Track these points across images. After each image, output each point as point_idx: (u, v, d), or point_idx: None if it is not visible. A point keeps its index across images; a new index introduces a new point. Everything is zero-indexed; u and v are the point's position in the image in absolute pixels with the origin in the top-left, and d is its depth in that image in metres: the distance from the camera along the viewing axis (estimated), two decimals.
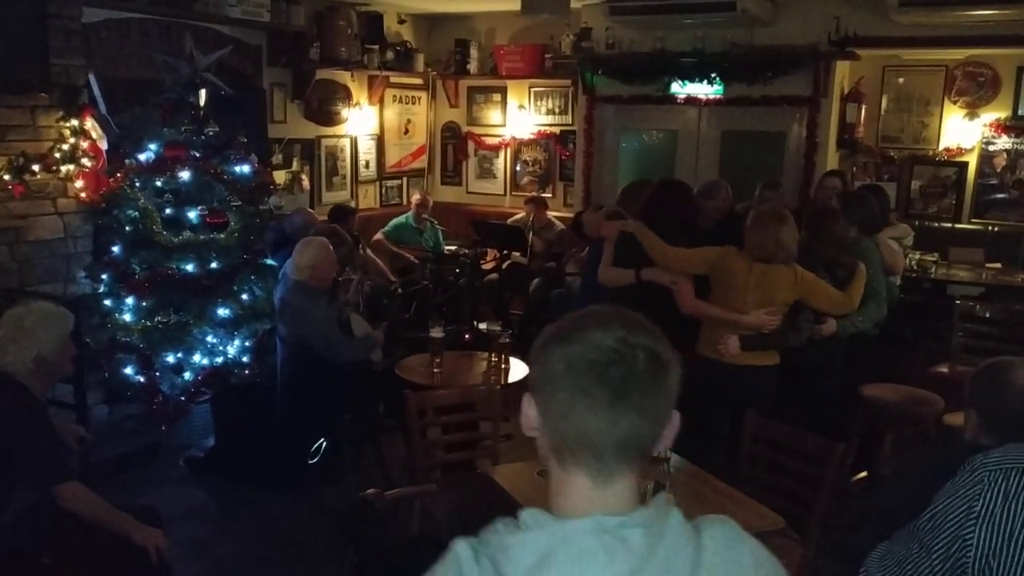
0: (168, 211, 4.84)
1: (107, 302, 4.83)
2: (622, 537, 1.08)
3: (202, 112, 4.93)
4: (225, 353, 4.87)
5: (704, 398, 3.94)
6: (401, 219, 7.76)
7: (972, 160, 6.77)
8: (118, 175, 4.90)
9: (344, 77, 7.75)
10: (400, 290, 6.68)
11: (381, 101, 8.24)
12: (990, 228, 6.72)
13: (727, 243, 3.93)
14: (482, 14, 8.38)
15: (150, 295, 4.75)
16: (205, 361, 4.84)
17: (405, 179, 8.74)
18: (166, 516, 3.18)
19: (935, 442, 4.23)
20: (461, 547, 1.12)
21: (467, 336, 5.82)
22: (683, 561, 1.09)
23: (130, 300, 4.78)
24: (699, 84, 7.00)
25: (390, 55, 8.07)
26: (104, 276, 4.87)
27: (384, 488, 3.41)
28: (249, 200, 5.01)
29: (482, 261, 7.16)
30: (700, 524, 1.14)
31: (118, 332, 4.77)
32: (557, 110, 8.30)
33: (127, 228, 4.81)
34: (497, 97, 8.55)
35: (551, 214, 7.75)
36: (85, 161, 4.91)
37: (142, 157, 4.87)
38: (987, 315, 5.12)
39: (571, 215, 7.82)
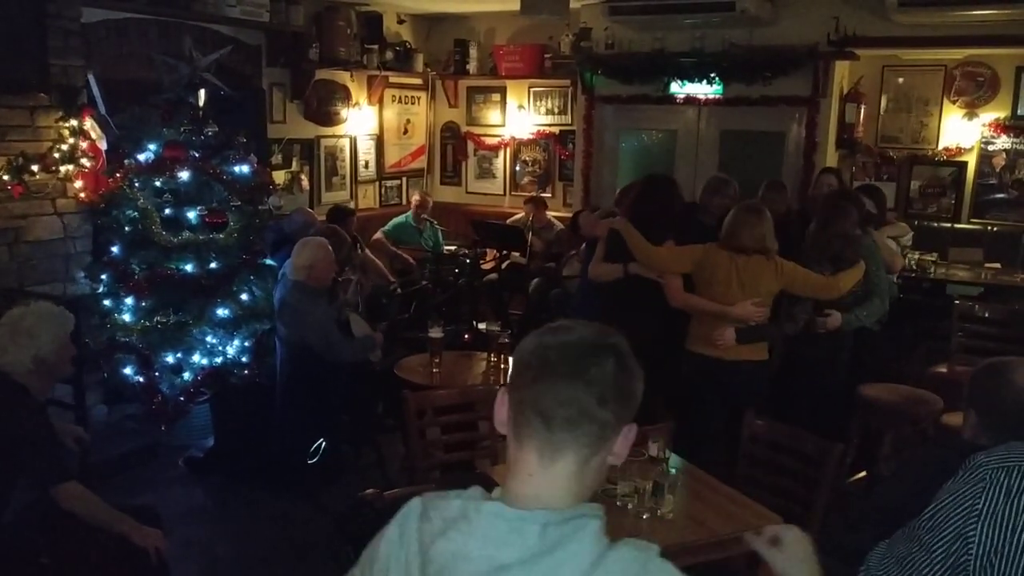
0: (167, 211, 4.82)
1: (106, 302, 4.82)
2: (519, 529, 1.16)
3: (201, 112, 4.92)
4: (224, 353, 4.86)
5: (698, 394, 3.99)
6: (401, 219, 7.76)
7: (971, 160, 6.77)
8: (117, 175, 4.89)
9: (343, 77, 7.75)
10: (399, 290, 6.69)
11: (380, 101, 8.25)
12: (989, 228, 6.72)
13: None
14: (481, 14, 8.38)
15: (149, 295, 4.74)
16: (204, 361, 4.83)
17: (404, 179, 8.75)
18: (165, 516, 3.18)
19: (934, 442, 4.22)
20: (415, 501, 1.27)
21: (466, 336, 5.83)
22: (572, 571, 1.14)
23: (129, 300, 4.77)
24: (698, 84, 7.00)
25: (389, 55, 8.07)
26: (103, 276, 4.85)
27: (383, 488, 3.41)
28: (248, 200, 5.00)
29: (481, 261, 7.16)
30: (615, 545, 1.18)
31: (117, 332, 4.76)
32: (556, 110, 8.30)
33: (126, 228, 4.80)
34: (496, 97, 8.56)
35: (550, 214, 7.75)
36: (84, 161, 4.91)
37: (141, 157, 4.85)
38: (986, 315, 5.12)
39: (570, 215, 7.82)
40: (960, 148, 6.78)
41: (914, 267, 6.01)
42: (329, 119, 7.71)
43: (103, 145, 4.98)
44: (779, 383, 4.23)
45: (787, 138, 6.92)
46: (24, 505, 2.81)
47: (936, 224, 6.86)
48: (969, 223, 6.81)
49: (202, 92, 4.92)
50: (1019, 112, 6.57)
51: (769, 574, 1.54)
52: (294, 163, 7.34)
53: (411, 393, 3.68)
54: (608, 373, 1.21)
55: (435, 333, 4.48)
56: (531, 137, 8.44)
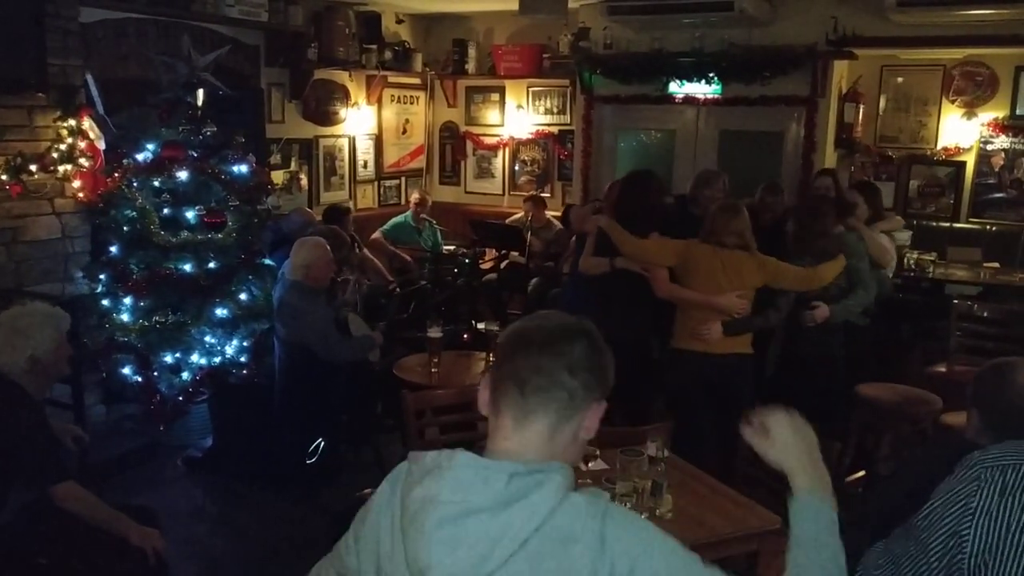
0: (166, 211, 4.83)
1: (105, 302, 4.82)
2: (487, 478, 1.27)
3: (200, 112, 4.92)
4: (223, 353, 4.87)
5: (686, 390, 4.03)
6: (400, 219, 7.76)
7: (970, 159, 6.78)
8: (116, 175, 4.90)
9: (342, 77, 7.74)
10: (398, 290, 6.68)
11: (379, 101, 8.24)
12: (988, 227, 6.72)
13: None
14: (480, 14, 8.38)
15: (148, 295, 4.74)
16: (203, 361, 4.83)
17: (403, 179, 8.74)
18: (163, 516, 3.17)
19: (933, 441, 4.23)
20: (403, 463, 1.40)
21: (465, 336, 5.82)
22: (529, 518, 1.23)
23: (128, 300, 4.77)
24: (697, 84, 7.00)
25: (388, 55, 8.07)
26: (102, 276, 4.86)
27: None
28: (247, 200, 5.01)
29: (480, 261, 7.15)
30: (570, 494, 1.28)
31: (116, 332, 4.77)
32: (555, 110, 8.30)
33: (125, 228, 4.81)
34: (495, 97, 8.55)
35: (549, 214, 7.75)
36: (83, 161, 4.90)
37: (140, 157, 4.86)
38: (985, 315, 5.11)
39: (563, 209, 7.83)
40: (959, 148, 6.78)
41: (913, 267, 6.01)
42: (328, 119, 7.71)
43: (101, 145, 4.97)
44: (776, 382, 4.25)
45: (786, 138, 6.92)
46: (22, 505, 2.80)
47: (935, 224, 6.87)
48: (968, 223, 6.82)
49: (200, 92, 4.93)
50: (1018, 112, 6.58)
51: (768, 572, 1.55)
52: (293, 163, 7.33)
53: (410, 393, 3.67)
54: (579, 349, 1.34)
55: (434, 333, 4.47)
56: (530, 137, 8.44)
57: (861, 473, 4.30)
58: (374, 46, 7.83)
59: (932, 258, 6.12)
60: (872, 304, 4.57)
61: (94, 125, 4.92)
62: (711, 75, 6.88)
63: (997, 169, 6.70)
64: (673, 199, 5.31)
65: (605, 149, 7.79)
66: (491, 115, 8.61)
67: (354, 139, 8.04)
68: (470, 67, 8.42)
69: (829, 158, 6.83)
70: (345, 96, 7.83)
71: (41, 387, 2.97)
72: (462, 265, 6.94)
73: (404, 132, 8.65)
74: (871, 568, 1.72)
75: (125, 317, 4.78)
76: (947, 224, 6.85)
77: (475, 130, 8.73)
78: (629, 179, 4.66)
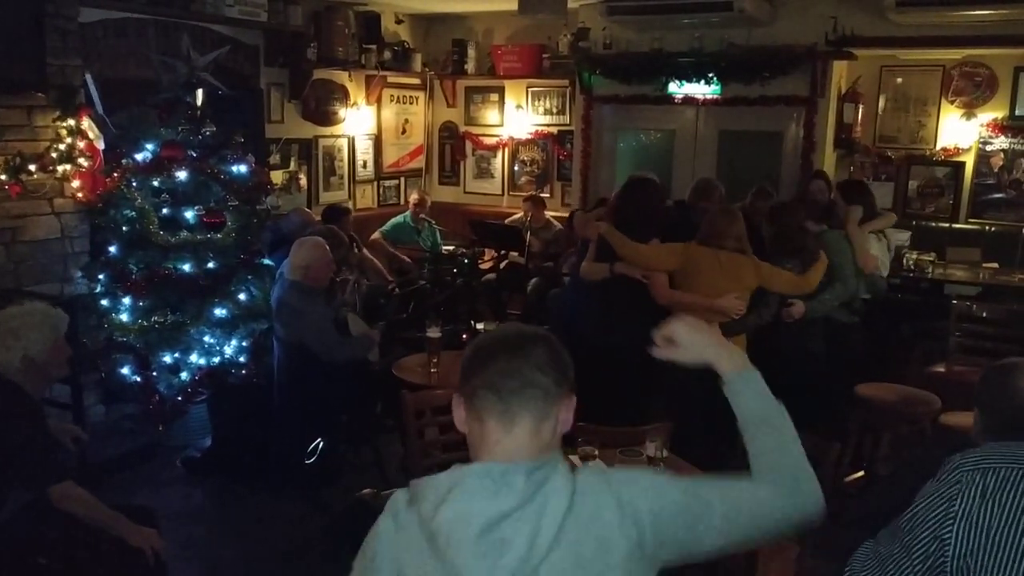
0: (165, 211, 4.83)
1: (104, 302, 4.82)
2: (507, 481, 1.33)
3: (199, 112, 4.92)
4: (222, 353, 4.86)
5: (685, 390, 4.03)
6: (399, 219, 7.76)
7: (969, 160, 6.77)
8: (115, 175, 4.89)
9: (342, 77, 7.74)
10: (397, 290, 6.68)
11: (379, 101, 8.24)
12: (987, 228, 6.73)
13: None
14: (479, 14, 8.38)
15: (147, 295, 4.74)
16: (202, 361, 4.83)
17: (403, 179, 8.74)
18: (163, 516, 3.17)
19: (931, 442, 4.23)
20: (399, 493, 1.42)
21: (465, 336, 5.79)
22: (557, 505, 1.32)
23: (127, 300, 4.77)
24: (696, 84, 7.00)
25: (388, 55, 8.07)
26: (101, 276, 4.86)
27: (381, 488, 3.41)
28: (246, 200, 5.00)
29: (480, 261, 7.16)
30: (576, 475, 1.38)
31: (115, 332, 4.76)
32: (555, 110, 8.30)
33: (124, 228, 4.80)
34: (495, 97, 8.55)
35: (549, 214, 7.75)
36: (82, 161, 4.90)
37: (139, 157, 4.86)
38: (984, 315, 5.11)
39: (568, 215, 7.83)
40: (958, 148, 6.78)
41: (912, 267, 6.01)
42: (327, 119, 7.71)
43: (100, 145, 4.98)
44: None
45: (785, 138, 6.92)
46: (21, 505, 2.80)
47: (934, 224, 6.87)
48: (967, 223, 6.82)
49: (200, 92, 4.92)
50: (1017, 112, 6.57)
51: (767, 572, 1.58)
52: (292, 163, 7.33)
53: (409, 393, 3.67)
54: (541, 350, 1.42)
55: (433, 333, 4.47)
56: (529, 137, 8.44)
57: (860, 473, 4.32)
58: (373, 46, 7.83)
59: (931, 258, 6.13)
60: (858, 300, 4.63)
61: (93, 125, 4.92)
62: (710, 75, 6.88)
63: (996, 169, 6.70)
64: (672, 203, 5.30)
65: (604, 149, 7.79)
66: (490, 115, 8.61)
67: (353, 139, 8.04)
68: (469, 67, 8.42)
69: (828, 158, 6.83)
70: (344, 96, 7.83)
71: (38, 387, 2.96)
72: (461, 265, 6.94)
73: (403, 132, 8.65)
74: (858, 568, 1.72)
75: (124, 317, 4.78)
76: (946, 224, 6.85)
77: (474, 130, 8.73)
78: (627, 186, 4.66)
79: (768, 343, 4.14)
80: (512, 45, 8.20)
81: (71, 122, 4.85)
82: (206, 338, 4.83)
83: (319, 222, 5.92)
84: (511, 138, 8.51)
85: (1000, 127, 6.62)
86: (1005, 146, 6.65)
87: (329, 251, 4.64)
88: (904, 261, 6.03)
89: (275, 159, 7.10)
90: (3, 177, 4.59)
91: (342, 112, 7.83)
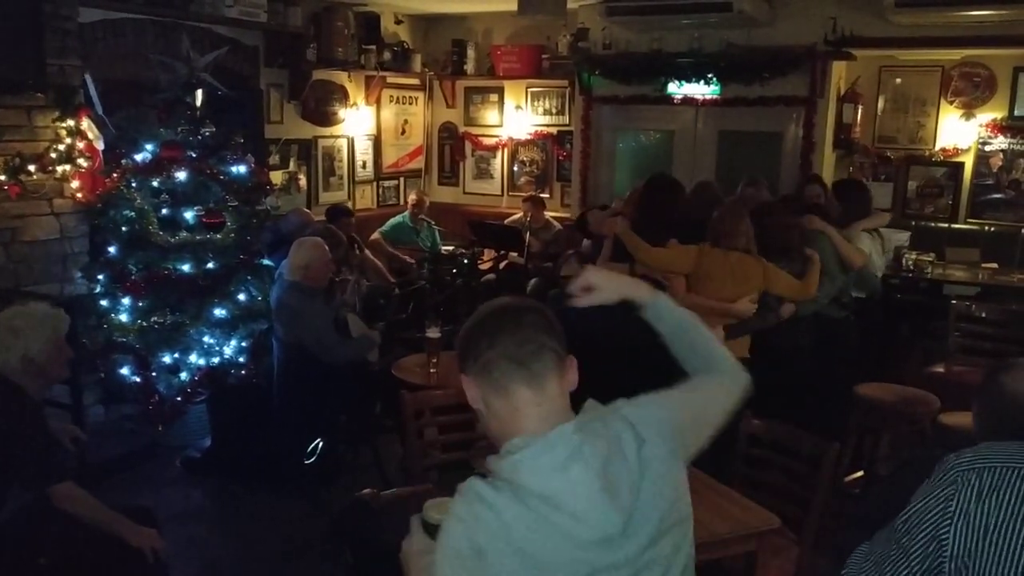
0: (164, 211, 4.82)
1: (103, 302, 4.81)
2: (590, 430, 1.42)
3: (199, 112, 4.92)
4: (222, 353, 4.86)
5: None
6: (398, 219, 7.76)
7: (968, 160, 6.78)
8: (114, 175, 4.89)
9: (341, 77, 7.75)
10: (397, 290, 6.68)
11: (378, 101, 8.24)
12: (986, 228, 6.73)
13: None
14: (479, 14, 8.38)
15: (146, 295, 4.74)
16: (202, 361, 4.83)
17: (402, 179, 8.74)
18: (162, 516, 3.17)
19: (931, 442, 4.24)
20: (474, 482, 1.40)
21: None
22: (629, 442, 1.44)
23: (126, 300, 4.77)
24: (696, 84, 7.00)
25: (387, 55, 8.07)
26: (100, 276, 4.86)
27: (381, 488, 3.41)
28: (246, 200, 5.00)
29: (479, 261, 7.16)
30: (615, 408, 1.50)
31: (114, 332, 4.76)
32: (554, 110, 8.31)
33: (123, 228, 4.80)
34: (494, 97, 8.56)
35: (548, 214, 7.75)
36: (81, 161, 4.90)
37: (138, 157, 4.86)
38: (983, 315, 5.11)
39: (568, 215, 7.83)
40: (957, 148, 6.78)
41: (911, 267, 6.01)
42: (327, 119, 7.71)
43: (100, 145, 4.98)
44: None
45: (784, 138, 6.92)
46: (20, 505, 2.80)
47: (933, 224, 6.87)
48: (966, 223, 6.82)
49: (199, 92, 4.92)
50: (1016, 112, 6.58)
51: (766, 572, 1.60)
52: (291, 163, 7.34)
53: (409, 393, 3.67)
54: (537, 316, 1.49)
55: (433, 333, 4.47)
56: (529, 137, 8.45)
57: (860, 473, 4.32)
58: (373, 47, 7.84)
59: (930, 259, 6.12)
60: (847, 295, 4.63)
61: (93, 125, 4.93)
62: (710, 76, 6.89)
63: (995, 170, 6.70)
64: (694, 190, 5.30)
65: (604, 150, 7.79)
66: (490, 116, 8.62)
67: (353, 140, 8.04)
68: (469, 68, 8.43)
69: (828, 159, 6.84)
70: (344, 96, 7.83)
71: (39, 388, 2.96)
72: (461, 265, 6.95)
73: (403, 133, 8.66)
74: (854, 569, 1.72)
75: (124, 317, 4.78)
76: (945, 225, 6.85)
77: (474, 131, 8.73)
78: (648, 186, 4.64)
79: (758, 341, 4.14)
80: (511, 45, 8.20)
81: (70, 122, 4.85)
82: (205, 338, 4.82)
83: (318, 222, 5.92)
84: (510, 139, 8.52)
85: (999, 127, 6.63)
86: (1004, 146, 6.65)
87: (328, 251, 4.64)
88: (903, 261, 6.03)
89: (274, 159, 7.11)
90: (2, 177, 4.60)
91: (341, 113, 7.84)
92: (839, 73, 6.82)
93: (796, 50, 6.53)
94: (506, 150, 8.59)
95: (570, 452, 1.38)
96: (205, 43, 5.94)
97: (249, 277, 4.96)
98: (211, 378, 4.81)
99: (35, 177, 4.76)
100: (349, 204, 7.66)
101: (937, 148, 6.87)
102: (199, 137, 4.89)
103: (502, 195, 8.66)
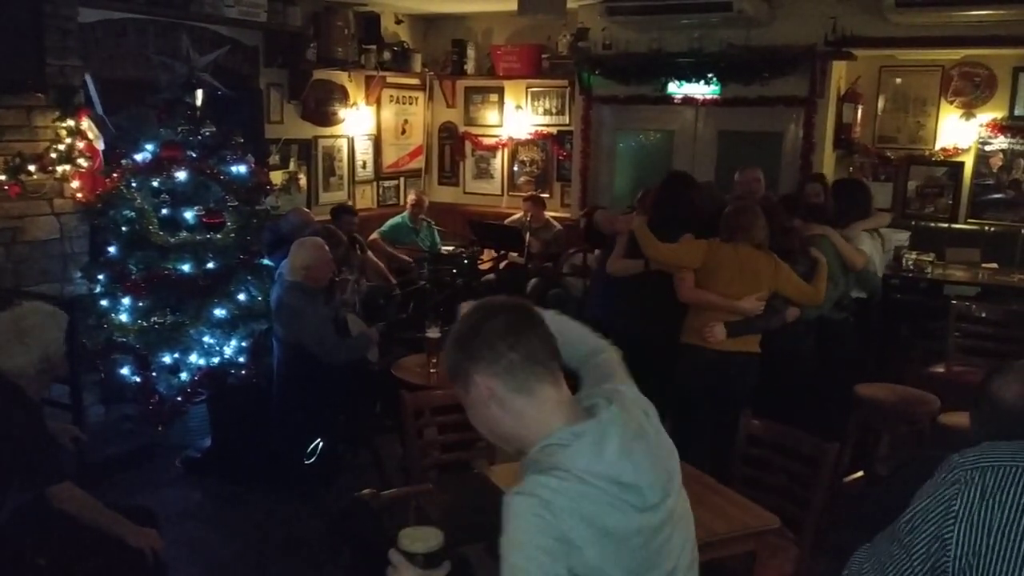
0: (164, 211, 4.83)
1: (103, 302, 4.82)
2: (624, 411, 1.56)
3: (199, 112, 4.92)
4: (222, 353, 4.86)
5: (690, 385, 4.04)
6: (397, 219, 7.76)
7: (968, 160, 6.78)
8: (114, 175, 4.89)
9: (341, 77, 7.75)
10: (398, 290, 6.68)
11: (378, 101, 8.24)
12: (986, 228, 6.73)
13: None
14: (479, 14, 8.38)
15: (146, 295, 4.74)
16: (202, 361, 4.83)
17: (402, 179, 8.74)
18: (162, 516, 3.17)
19: (931, 442, 4.24)
20: (536, 480, 1.45)
21: None
22: (639, 410, 1.62)
23: (126, 300, 4.77)
24: (696, 84, 7.01)
25: (387, 55, 8.07)
26: (100, 276, 4.86)
27: (380, 488, 3.41)
28: (246, 200, 5.01)
29: (479, 261, 7.16)
30: (615, 389, 1.65)
31: (114, 332, 4.76)
32: (554, 110, 8.31)
33: (123, 228, 4.81)
34: (494, 97, 8.56)
35: (548, 214, 7.75)
36: (81, 161, 4.90)
37: (138, 157, 4.86)
38: (983, 315, 5.11)
39: (568, 215, 7.83)
40: (957, 148, 6.78)
41: (911, 267, 6.01)
42: (327, 119, 7.71)
43: (100, 145, 4.97)
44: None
45: (784, 138, 6.92)
46: (19, 506, 2.80)
47: (933, 224, 6.87)
48: (966, 223, 6.82)
49: (199, 92, 4.92)
50: (1016, 112, 6.58)
51: (766, 572, 1.61)
52: (291, 163, 7.34)
53: (408, 393, 3.67)
54: (539, 316, 1.61)
55: (433, 333, 4.47)
56: (529, 137, 8.44)
57: (860, 473, 4.32)
58: (373, 46, 7.84)
59: (930, 259, 6.11)
60: (848, 298, 4.61)
61: (93, 125, 4.92)
62: (710, 75, 6.89)
63: (995, 170, 6.70)
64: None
65: (604, 150, 7.80)
66: (490, 116, 8.62)
67: (353, 139, 8.04)
68: (469, 67, 8.43)
69: (828, 159, 6.84)
70: (344, 96, 7.83)
71: (43, 387, 2.96)
72: (461, 265, 6.95)
73: (403, 132, 8.66)
74: (856, 570, 1.72)
75: (124, 317, 4.78)
76: (945, 225, 6.85)
77: (474, 131, 8.73)
78: (665, 185, 4.62)
79: (761, 345, 4.13)
80: (511, 45, 8.20)
81: (70, 122, 4.85)
82: (205, 338, 4.83)
83: (319, 222, 5.92)
84: (510, 138, 8.52)
85: (999, 127, 6.63)
86: (1004, 146, 6.65)
87: (328, 251, 4.64)
88: (903, 261, 6.03)
89: (274, 159, 7.11)
90: (3, 177, 4.59)
91: (341, 112, 7.84)
92: (839, 73, 6.82)
93: (796, 50, 6.53)
94: (506, 150, 8.59)
95: (622, 435, 1.51)
96: (205, 43, 5.94)
97: (249, 277, 4.97)
98: (211, 378, 4.82)
99: (35, 177, 4.75)
100: (350, 204, 7.66)
101: (937, 148, 6.87)
102: (199, 137, 4.89)
103: (502, 195, 8.66)
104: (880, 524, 1.78)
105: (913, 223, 6.75)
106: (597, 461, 1.48)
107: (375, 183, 8.42)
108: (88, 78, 5.09)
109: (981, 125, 6.68)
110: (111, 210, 4.83)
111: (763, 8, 6.56)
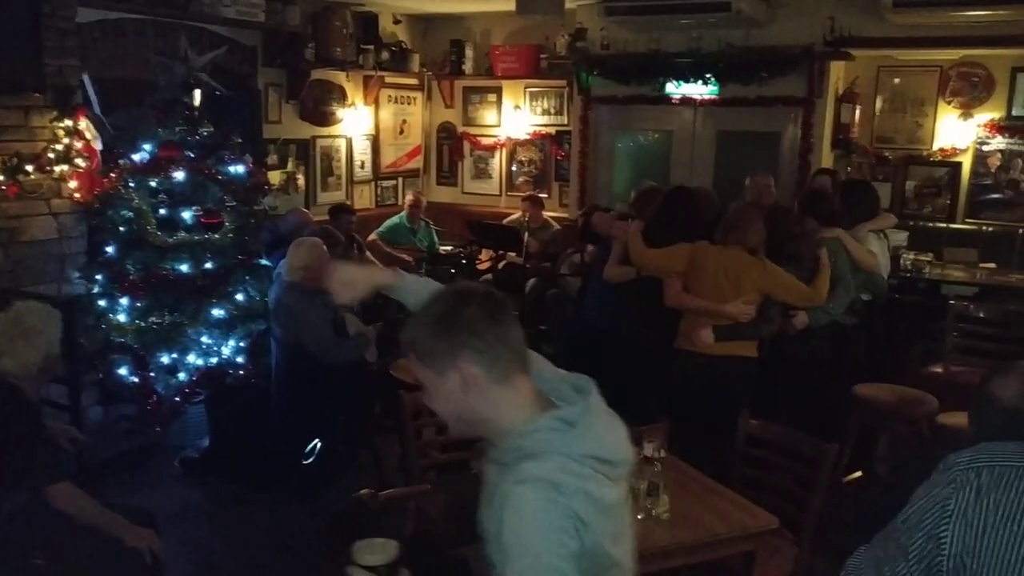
0: (162, 211, 4.82)
1: (101, 303, 4.81)
2: (593, 393, 1.63)
3: (197, 112, 4.92)
4: (220, 354, 4.86)
5: (684, 389, 4.04)
6: (395, 220, 7.76)
7: (966, 160, 6.79)
8: (112, 175, 4.89)
9: (339, 77, 7.74)
10: None
11: (376, 101, 8.24)
12: (984, 228, 6.74)
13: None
14: (477, 14, 8.38)
15: (144, 296, 4.73)
16: (200, 362, 4.82)
17: (400, 179, 8.74)
18: (160, 517, 3.17)
19: (930, 442, 4.24)
20: (535, 467, 1.49)
21: None
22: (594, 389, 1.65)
23: (124, 301, 4.77)
24: (694, 84, 7.01)
25: (385, 55, 8.07)
26: (98, 277, 4.85)
27: (379, 488, 3.41)
28: (244, 200, 5.00)
29: (477, 261, 7.16)
30: (565, 374, 1.71)
31: (112, 333, 4.76)
32: (552, 110, 8.31)
33: (121, 229, 4.80)
34: (492, 97, 8.55)
35: (547, 214, 7.75)
36: (79, 161, 4.90)
37: (136, 157, 4.86)
38: (981, 315, 5.11)
39: (567, 215, 7.83)
40: (955, 148, 6.79)
41: (909, 267, 6.01)
42: (325, 119, 7.70)
43: (98, 145, 4.97)
44: (765, 384, 4.25)
45: (783, 138, 6.93)
46: (18, 506, 2.79)
47: (931, 224, 6.88)
48: (964, 223, 6.83)
49: (197, 92, 4.92)
50: (1014, 112, 6.59)
51: (765, 572, 1.61)
52: (290, 163, 7.33)
53: (407, 394, 3.67)
54: (492, 304, 1.60)
55: None
56: (527, 137, 8.44)
57: (859, 473, 4.32)
58: (371, 46, 7.83)
59: (929, 259, 6.12)
60: (859, 301, 4.56)
61: (90, 125, 4.92)
62: (708, 76, 6.89)
63: (993, 170, 6.71)
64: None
65: (602, 150, 7.79)
66: (488, 116, 8.61)
67: (351, 139, 8.04)
68: (467, 68, 8.42)
69: (826, 159, 6.84)
70: (342, 96, 7.83)
71: (40, 386, 2.96)
72: (459, 266, 6.94)
73: (401, 132, 8.65)
74: (853, 570, 1.73)
75: (122, 318, 4.78)
76: (944, 225, 6.86)
77: (472, 131, 8.72)
78: (669, 198, 4.56)
79: (775, 352, 4.12)
80: (510, 46, 8.20)
81: (68, 122, 4.84)
82: (204, 339, 4.82)
83: (317, 222, 5.92)
84: (509, 138, 8.51)
85: (997, 127, 6.64)
86: (1002, 146, 6.66)
87: (327, 251, 4.63)
88: (901, 261, 6.03)
89: (273, 159, 7.10)
90: (0, 178, 4.59)
91: (340, 112, 7.83)
92: (837, 73, 6.83)
93: (794, 50, 6.53)
94: (504, 150, 8.59)
95: (605, 417, 1.60)
96: (203, 43, 5.94)
97: (247, 277, 4.96)
98: (209, 378, 4.81)
99: (33, 177, 4.75)
100: (348, 204, 7.65)
101: (935, 148, 6.89)
102: (197, 137, 4.89)
103: (500, 195, 8.66)
104: (879, 524, 1.78)
105: (911, 223, 6.75)
106: (589, 442, 1.53)
107: (373, 183, 8.41)
108: (86, 78, 5.08)
109: (979, 125, 6.70)
110: (109, 210, 4.82)
111: (761, 8, 6.56)
